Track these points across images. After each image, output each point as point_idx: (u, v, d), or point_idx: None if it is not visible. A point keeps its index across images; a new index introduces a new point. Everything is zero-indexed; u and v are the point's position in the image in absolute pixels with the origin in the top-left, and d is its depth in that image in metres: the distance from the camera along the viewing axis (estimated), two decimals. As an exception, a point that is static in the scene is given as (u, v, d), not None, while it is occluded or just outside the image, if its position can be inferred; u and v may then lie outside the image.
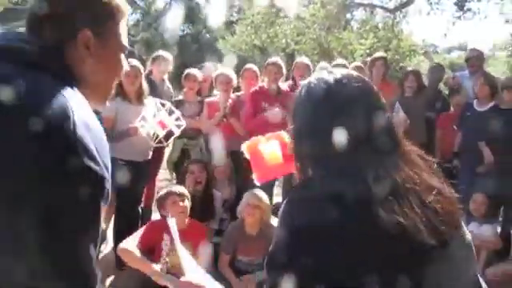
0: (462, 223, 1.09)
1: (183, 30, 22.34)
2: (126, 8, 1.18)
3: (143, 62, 4.63)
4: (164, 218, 3.28)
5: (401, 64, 14.10)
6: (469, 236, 1.11)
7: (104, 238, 3.63)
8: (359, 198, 0.96)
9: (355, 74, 1.13)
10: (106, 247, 3.93)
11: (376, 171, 0.99)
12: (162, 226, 3.20)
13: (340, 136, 1.00)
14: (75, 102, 0.98)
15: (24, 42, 1.04)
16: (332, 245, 0.95)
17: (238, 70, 5.43)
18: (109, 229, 4.06)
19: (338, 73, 1.12)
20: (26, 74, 0.97)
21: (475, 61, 5.48)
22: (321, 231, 0.95)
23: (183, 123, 4.08)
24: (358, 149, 1.02)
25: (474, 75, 5.06)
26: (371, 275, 0.94)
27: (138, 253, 3.02)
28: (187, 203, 3.37)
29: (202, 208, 3.86)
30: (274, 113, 4.34)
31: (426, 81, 5.47)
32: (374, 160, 1.02)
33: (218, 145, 4.17)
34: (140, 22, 22.42)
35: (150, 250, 3.18)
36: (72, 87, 1.03)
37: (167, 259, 3.15)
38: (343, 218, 0.94)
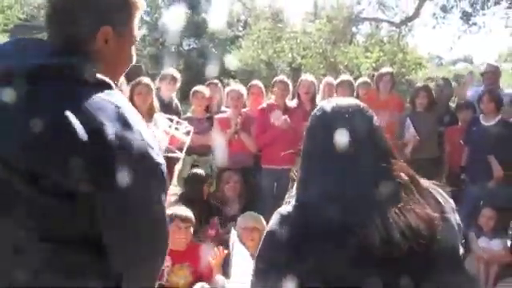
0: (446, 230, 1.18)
1: (189, 45, 22.53)
2: (142, 2, 1.21)
3: (150, 78, 4.70)
4: None
5: (406, 77, 14.15)
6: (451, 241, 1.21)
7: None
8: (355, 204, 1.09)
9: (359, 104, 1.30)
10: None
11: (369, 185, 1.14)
12: None
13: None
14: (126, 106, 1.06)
15: (59, 55, 1.05)
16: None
17: (245, 84, 5.51)
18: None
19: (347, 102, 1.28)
20: (82, 91, 1.02)
21: (491, 75, 5.54)
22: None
23: (191, 128, 4.16)
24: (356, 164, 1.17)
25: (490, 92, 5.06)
26: (368, 276, 1.03)
27: None
28: (190, 229, 3.33)
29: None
30: (277, 115, 4.42)
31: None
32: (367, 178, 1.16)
33: (220, 145, 4.21)
34: (146, 37, 22.64)
35: None
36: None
37: (168, 278, 3.18)
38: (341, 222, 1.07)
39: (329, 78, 5.71)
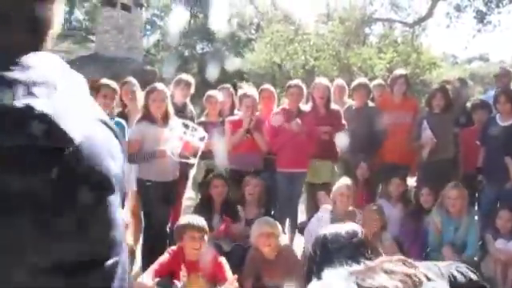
0: None
1: (202, 48, 22.66)
2: None
3: (164, 82, 4.75)
4: (181, 248, 3.32)
5: (421, 77, 14.06)
6: None
7: (133, 259, 3.71)
8: None
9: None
10: (135, 267, 4.01)
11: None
12: (180, 256, 3.29)
13: None
14: None
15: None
16: None
17: (258, 87, 5.54)
18: (137, 249, 4.14)
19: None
20: None
21: (503, 78, 5.57)
22: None
23: (205, 135, 4.21)
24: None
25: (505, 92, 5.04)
26: None
27: (152, 284, 3.07)
28: (205, 238, 3.34)
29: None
30: (293, 124, 4.51)
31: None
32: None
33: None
34: (160, 41, 22.84)
35: (170, 276, 3.24)
36: None
37: None
38: None
39: (339, 81, 5.72)
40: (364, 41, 14.47)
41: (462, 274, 1.64)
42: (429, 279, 1.44)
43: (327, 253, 1.63)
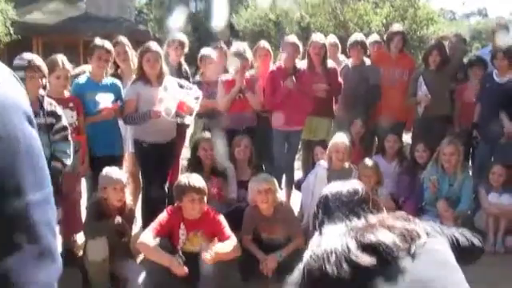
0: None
1: (196, 7, 22.17)
2: None
3: (157, 41, 4.68)
4: (180, 207, 3.34)
5: (418, 33, 13.87)
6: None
7: (133, 217, 3.76)
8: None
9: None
10: (136, 227, 4.07)
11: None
12: (179, 215, 3.32)
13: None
14: None
15: None
16: None
17: (253, 44, 5.47)
18: (137, 208, 4.19)
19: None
20: None
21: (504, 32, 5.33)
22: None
23: (200, 94, 4.18)
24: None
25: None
26: None
27: (154, 243, 3.11)
28: (204, 200, 3.34)
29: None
30: (288, 82, 4.46)
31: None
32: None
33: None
34: (152, 0, 22.35)
35: (169, 236, 3.29)
36: None
37: (183, 247, 3.27)
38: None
39: (331, 38, 5.64)
40: (360, -4, 14.16)
41: (466, 238, 1.65)
42: (428, 235, 1.46)
43: (329, 211, 1.65)
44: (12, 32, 11.21)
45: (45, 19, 14.87)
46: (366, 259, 1.36)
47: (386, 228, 1.45)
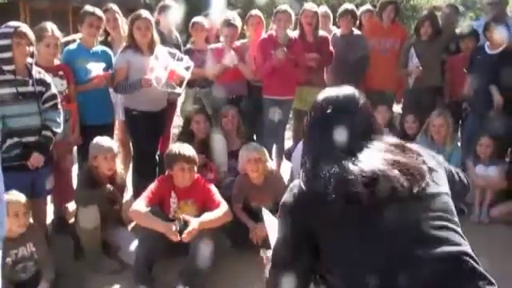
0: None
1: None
2: None
3: (148, 8, 4.61)
4: (171, 176, 3.36)
5: (411, 2, 13.78)
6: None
7: (124, 186, 3.79)
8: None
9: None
10: (127, 195, 4.10)
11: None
12: (170, 183, 3.35)
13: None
14: None
15: None
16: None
17: (245, 12, 5.41)
18: (128, 177, 4.22)
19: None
20: None
21: (496, 5, 5.27)
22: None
23: (191, 64, 4.16)
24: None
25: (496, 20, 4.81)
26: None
27: (147, 211, 3.12)
28: (194, 169, 3.36)
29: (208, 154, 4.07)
30: (278, 52, 4.43)
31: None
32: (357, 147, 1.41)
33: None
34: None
35: (160, 205, 3.31)
36: None
37: (174, 215, 3.30)
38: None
39: (323, 9, 5.58)
40: (354, -37, 13.94)
41: (459, 174, 1.67)
42: (431, 170, 1.39)
43: (324, 119, 1.49)
44: (-2, -3, 10.94)
45: (32, -16, 14.53)
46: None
47: (390, 164, 1.34)
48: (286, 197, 1.46)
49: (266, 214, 2.22)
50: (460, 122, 5.16)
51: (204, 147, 4.09)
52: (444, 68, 5.14)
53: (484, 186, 4.33)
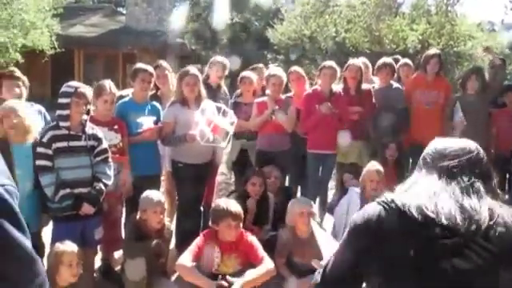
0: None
1: (232, 19, 22.43)
2: None
3: (194, 53, 4.80)
4: (215, 231, 3.42)
5: (455, 49, 13.68)
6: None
7: (170, 239, 3.88)
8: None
9: None
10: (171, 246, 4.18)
11: None
12: (213, 238, 3.40)
13: None
14: None
15: None
16: None
17: (287, 58, 5.53)
18: (173, 224, 4.30)
19: None
20: None
21: None
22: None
23: (235, 119, 4.28)
24: None
25: None
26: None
27: (192, 266, 3.18)
28: (240, 225, 3.40)
29: (259, 213, 4.08)
30: (323, 106, 4.53)
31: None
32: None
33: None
34: (190, 12, 22.74)
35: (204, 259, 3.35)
36: None
37: (217, 268, 3.33)
38: None
39: (362, 60, 5.64)
40: (396, 12, 14.10)
41: None
42: None
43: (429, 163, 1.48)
44: (56, 46, 11.64)
45: (86, 32, 15.40)
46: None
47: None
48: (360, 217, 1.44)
49: (315, 225, 2.25)
50: (508, 176, 5.04)
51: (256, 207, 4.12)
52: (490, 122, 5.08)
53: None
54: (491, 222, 1.31)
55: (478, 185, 1.39)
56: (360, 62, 5.05)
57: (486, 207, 1.34)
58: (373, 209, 1.41)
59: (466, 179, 1.39)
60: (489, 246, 1.30)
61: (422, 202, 1.34)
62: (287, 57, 15.07)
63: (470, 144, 1.51)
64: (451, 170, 1.42)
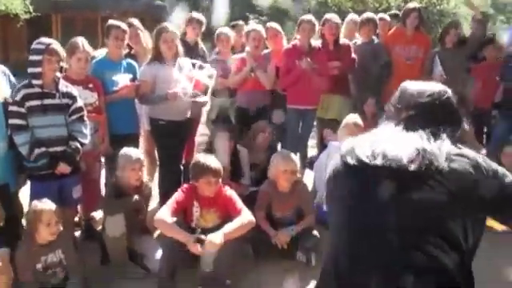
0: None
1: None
2: None
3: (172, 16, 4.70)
4: (194, 186, 3.40)
5: (438, 7, 13.60)
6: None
7: (150, 195, 3.89)
8: None
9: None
10: (153, 203, 4.20)
11: None
12: (192, 192, 3.40)
13: None
14: None
15: None
16: None
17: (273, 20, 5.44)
18: (154, 185, 4.31)
19: None
20: None
21: None
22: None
23: (213, 72, 4.24)
24: None
25: None
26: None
27: (171, 221, 3.17)
28: (220, 181, 3.38)
29: (232, 168, 4.10)
30: (303, 62, 4.50)
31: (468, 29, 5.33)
32: None
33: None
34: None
35: (183, 213, 3.38)
36: None
37: (196, 223, 3.36)
38: None
39: (354, 16, 5.59)
40: (379, -31, 13.89)
41: None
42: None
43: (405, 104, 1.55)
44: (31, 9, 11.32)
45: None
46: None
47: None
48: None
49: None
50: (486, 129, 5.10)
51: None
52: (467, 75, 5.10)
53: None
54: (445, 163, 1.35)
55: (435, 128, 1.44)
56: (337, 18, 4.97)
57: (439, 148, 1.38)
58: (335, 159, 1.56)
59: (422, 123, 1.46)
60: (444, 181, 1.34)
61: (361, 148, 1.44)
62: (272, 20, 14.82)
63: (433, 87, 1.54)
64: (408, 114, 1.51)
